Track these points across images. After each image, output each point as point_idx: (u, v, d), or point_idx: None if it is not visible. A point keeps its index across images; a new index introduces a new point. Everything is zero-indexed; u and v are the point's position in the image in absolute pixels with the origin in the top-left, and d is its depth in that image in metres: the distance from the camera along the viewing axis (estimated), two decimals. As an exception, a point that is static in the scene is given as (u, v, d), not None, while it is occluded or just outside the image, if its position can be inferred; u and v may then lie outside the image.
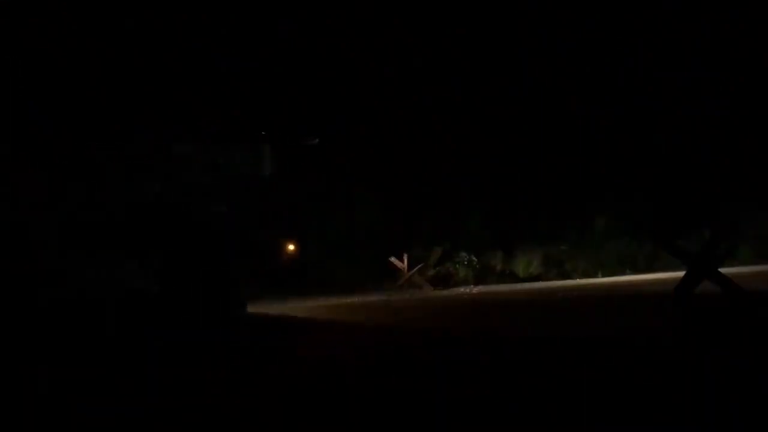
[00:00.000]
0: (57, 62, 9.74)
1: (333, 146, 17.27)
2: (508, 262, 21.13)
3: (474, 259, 20.38)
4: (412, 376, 5.68)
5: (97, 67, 10.00)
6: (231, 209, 9.99)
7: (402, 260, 18.61)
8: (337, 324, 9.92)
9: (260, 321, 10.23)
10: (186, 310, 9.41)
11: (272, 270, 12.01)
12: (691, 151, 19.51)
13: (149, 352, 7.72)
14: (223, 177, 10.00)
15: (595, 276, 19.97)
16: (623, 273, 20.24)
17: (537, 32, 19.99)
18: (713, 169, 18.97)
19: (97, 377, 6.41)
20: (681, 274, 12.62)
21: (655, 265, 20.07)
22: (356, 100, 16.98)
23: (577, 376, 5.40)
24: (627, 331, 8.17)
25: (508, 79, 20.51)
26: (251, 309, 10.62)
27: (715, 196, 18.22)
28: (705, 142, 19.59)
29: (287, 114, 12.78)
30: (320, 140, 12.25)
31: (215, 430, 4.34)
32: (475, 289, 17.23)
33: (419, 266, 18.79)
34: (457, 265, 20.28)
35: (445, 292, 17.13)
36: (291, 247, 11.95)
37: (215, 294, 9.70)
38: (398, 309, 11.98)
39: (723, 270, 12.98)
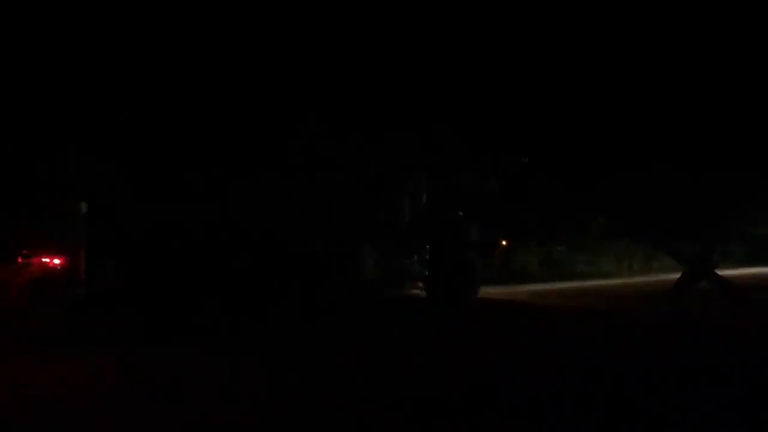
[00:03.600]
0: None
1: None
2: (505, 263, 21.25)
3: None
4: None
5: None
6: (466, 216, 12.84)
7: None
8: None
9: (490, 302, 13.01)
10: (442, 290, 12.33)
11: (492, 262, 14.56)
12: (690, 152, 19.65)
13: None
14: (459, 191, 12.91)
15: (592, 277, 20.00)
16: (621, 275, 20.52)
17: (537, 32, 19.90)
18: (711, 170, 18.98)
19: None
20: (678, 275, 13.72)
21: (653, 267, 20.72)
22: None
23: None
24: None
25: (507, 76, 19.91)
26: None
27: (713, 197, 18.49)
28: (704, 143, 19.78)
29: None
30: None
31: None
32: None
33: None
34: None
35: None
36: (503, 243, 13.88)
37: (460, 278, 12.37)
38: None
39: (719, 271, 13.93)
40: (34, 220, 9.62)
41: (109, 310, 9.64)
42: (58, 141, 9.76)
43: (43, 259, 9.81)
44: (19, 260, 9.82)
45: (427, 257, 12.27)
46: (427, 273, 12.27)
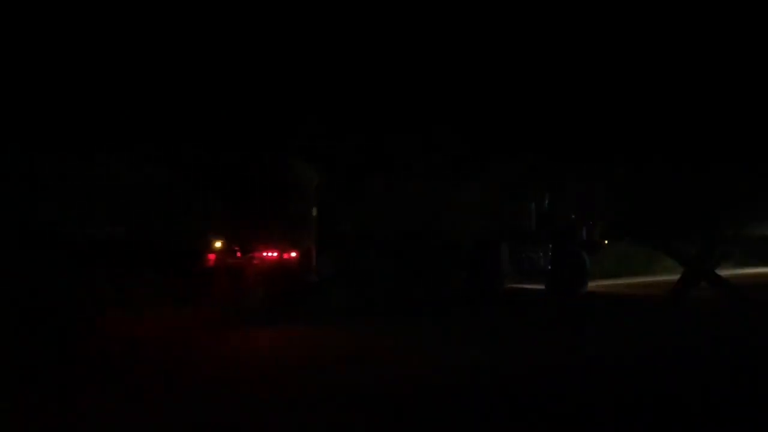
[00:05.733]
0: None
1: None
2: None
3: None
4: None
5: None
6: (577, 218, 15.10)
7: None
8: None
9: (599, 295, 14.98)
10: (560, 283, 14.54)
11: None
12: (690, 152, 19.64)
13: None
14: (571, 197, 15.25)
15: (593, 278, 19.10)
16: (621, 275, 20.20)
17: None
18: (711, 171, 19.20)
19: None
20: (677, 276, 13.74)
21: (653, 268, 20.76)
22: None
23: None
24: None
25: (503, 74, 19.54)
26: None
27: (713, 198, 18.77)
28: (704, 143, 19.77)
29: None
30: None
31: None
32: None
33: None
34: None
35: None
36: (606, 242, 15.95)
37: (574, 273, 14.71)
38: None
39: (719, 271, 13.72)
40: (272, 220, 11.82)
41: (332, 292, 11.98)
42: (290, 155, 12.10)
43: (264, 254, 12.00)
44: (238, 255, 11.98)
45: (550, 254, 14.71)
46: (549, 268, 14.72)
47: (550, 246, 14.76)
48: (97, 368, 7.25)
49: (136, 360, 7.71)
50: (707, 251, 13.60)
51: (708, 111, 20.14)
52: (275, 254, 11.82)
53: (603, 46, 19.57)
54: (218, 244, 11.01)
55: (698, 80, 20.18)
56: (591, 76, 19.85)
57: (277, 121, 12.18)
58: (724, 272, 14.43)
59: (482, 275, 13.75)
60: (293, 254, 11.76)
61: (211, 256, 11.42)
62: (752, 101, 19.82)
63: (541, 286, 15.05)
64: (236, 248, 11.77)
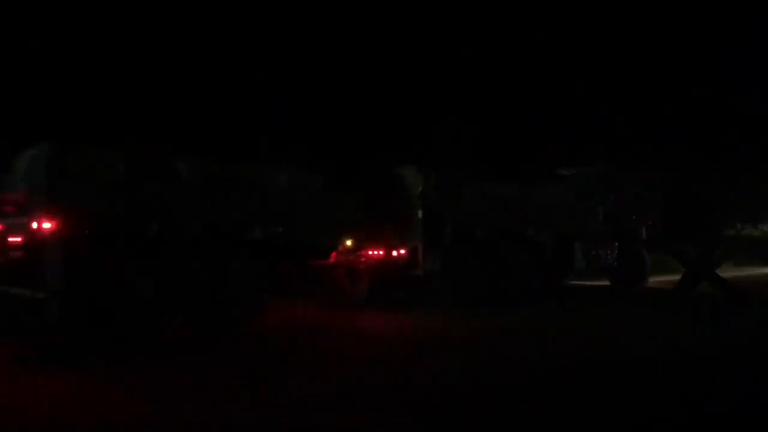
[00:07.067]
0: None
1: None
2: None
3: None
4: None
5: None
6: (638, 219, 16.31)
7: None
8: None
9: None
10: (623, 280, 16.05)
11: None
12: (689, 153, 20.38)
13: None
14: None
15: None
16: None
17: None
18: (712, 171, 19.84)
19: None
20: (678, 277, 14.18)
21: (653, 268, 20.73)
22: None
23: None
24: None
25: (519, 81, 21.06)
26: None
27: (714, 198, 18.85)
28: (704, 143, 20.69)
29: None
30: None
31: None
32: None
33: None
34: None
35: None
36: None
37: (636, 271, 16.26)
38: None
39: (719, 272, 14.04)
40: (384, 221, 13.29)
41: (435, 286, 13.52)
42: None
43: (371, 252, 13.51)
44: (352, 252, 13.45)
45: (616, 252, 15.99)
46: (615, 264, 16.02)
47: (616, 244, 16.08)
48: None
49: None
50: (707, 252, 13.86)
51: (708, 111, 21.22)
52: (381, 252, 13.33)
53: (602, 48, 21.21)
54: (348, 243, 12.50)
55: (698, 81, 21.48)
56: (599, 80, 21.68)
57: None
58: (724, 272, 14.76)
59: (558, 271, 15.26)
60: (402, 251, 13.28)
61: (333, 254, 12.90)
62: (752, 101, 20.71)
63: (606, 282, 16.55)
64: (351, 247, 13.26)
